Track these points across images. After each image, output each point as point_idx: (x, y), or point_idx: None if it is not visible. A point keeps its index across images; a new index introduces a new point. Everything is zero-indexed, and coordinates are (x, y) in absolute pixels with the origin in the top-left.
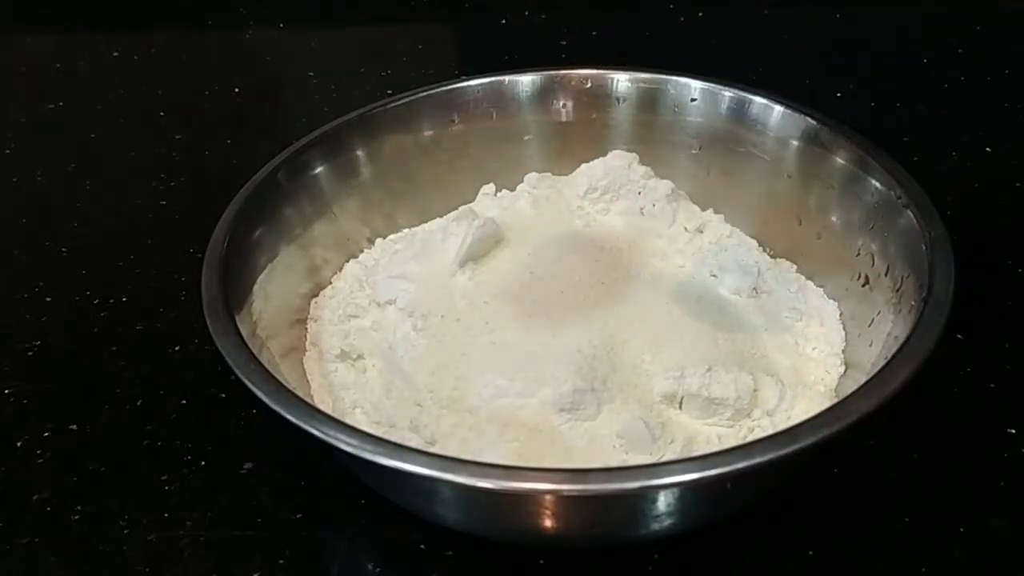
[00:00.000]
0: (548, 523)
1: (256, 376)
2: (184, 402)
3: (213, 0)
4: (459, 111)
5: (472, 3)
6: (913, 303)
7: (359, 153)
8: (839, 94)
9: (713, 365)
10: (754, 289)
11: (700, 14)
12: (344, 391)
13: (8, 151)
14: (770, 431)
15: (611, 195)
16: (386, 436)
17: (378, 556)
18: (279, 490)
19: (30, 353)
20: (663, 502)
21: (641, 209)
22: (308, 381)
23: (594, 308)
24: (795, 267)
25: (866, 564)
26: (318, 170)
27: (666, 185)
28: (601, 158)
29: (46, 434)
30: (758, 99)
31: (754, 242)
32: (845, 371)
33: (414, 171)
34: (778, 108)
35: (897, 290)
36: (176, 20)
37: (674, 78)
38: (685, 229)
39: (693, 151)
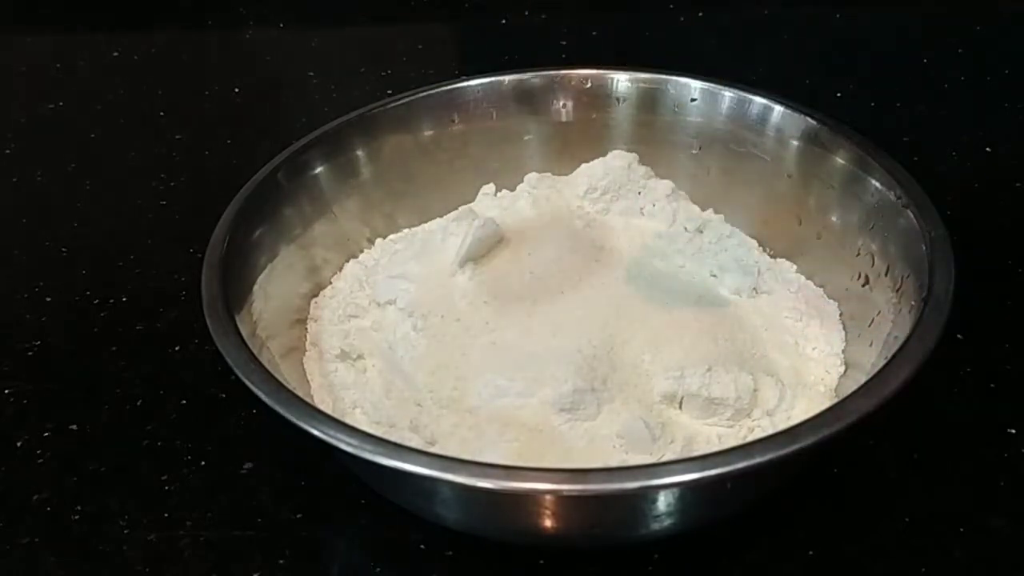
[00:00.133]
0: (548, 523)
1: (256, 376)
2: (184, 402)
3: (213, 0)
4: (459, 111)
5: (472, 3)
6: (913, 303)
7: (359, 153)
8: (839, 94)
9: (713, 365)
10: (754, 289)
11: (700, 14)
12: (344, 391)
13: (8, 151)
14: (770, 431)
15: (611, 195)
16: (386, 436)
17: (378, 556)
18: (279, 490)
19: (30, 353)
20: (663, 502)
21: (641, 209)
22: (308, 381)
23: (594, 308)
24: (795, 267)
25: (866, 564)
26: (318, 170)
27: (666, 185)
28: (601, 158)
29: (46, 434)
30: (758, 99)
31: (754, 242)
32: (845, 371)
33: (414, 171)
34: (778, 108)
35: (897, 290)
36: (176, 20)
37: (674, 78)
38: (685, 229)
39: (693, 151)
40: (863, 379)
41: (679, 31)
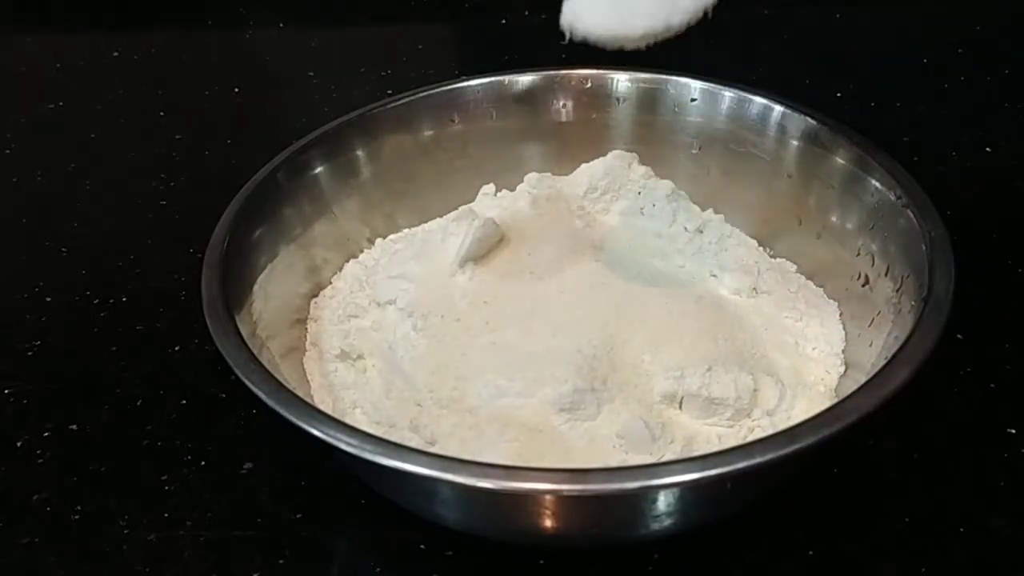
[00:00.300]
0: (548, 523)
1: (256, 376)
2: (184, 402)
3: (213, 0)
4: (459, 111)
5: (472, 3)
6: (913, 303)
7: (359, 153)
8: (839, 94)
9: (713, 365)
10: (754, 289)
11: None
12: (344, 391)
13: (8, 151)
14: (770, 431)
15: (611, 195)
16: (386, 436)
17: (378, 556)
18: (279, 490)
19: (30, 353)
20: (663, 502)
21: (641, 209)
22: (308, 381)
23: (594, 308)
24: (795, 267)
25: (866, 564)
26: (318, 170)
27: (666, 185)
28: (601, 158)
29: (46, 434)
30: (758, 99)
31: (754, 242)
32: (845, 371)
33: (414, 171)
34: (778, 108)
35: (897, 290)
36: (176, 20)
37: (674, 78)
38: (685, 229)
39: (693, 151)
40: (863, 379)
41: None
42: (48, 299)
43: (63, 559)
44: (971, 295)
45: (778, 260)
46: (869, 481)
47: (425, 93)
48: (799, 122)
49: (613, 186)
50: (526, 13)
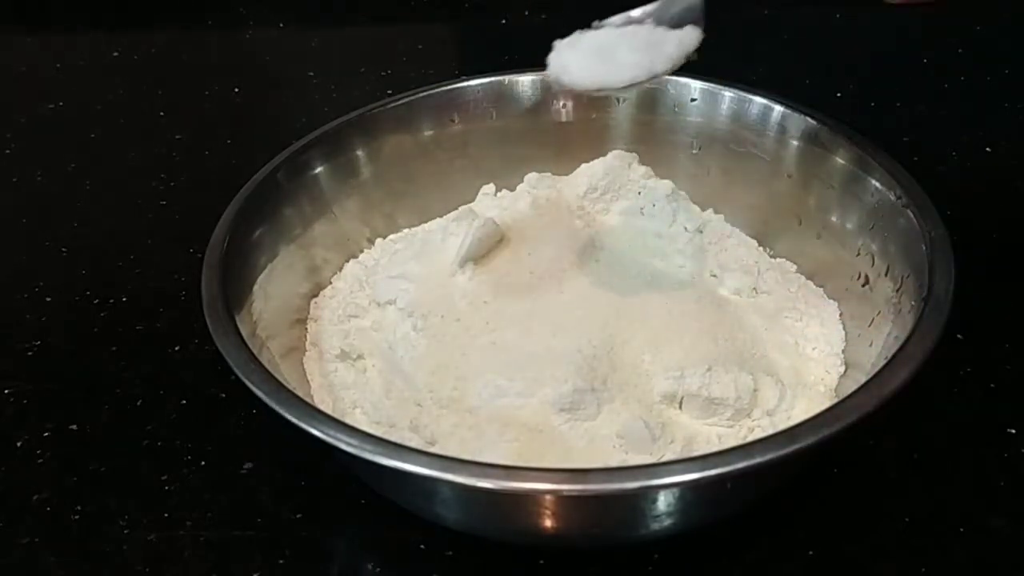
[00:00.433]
0: (548, 523)
1: (256, 376)
2: (184, 402)
3: (213, 0)
4: (459, 111)
5: (472, 3)
6: (913, 303)
7: (359, 153)
8: (839, 94)
9: (713, 365)
10: (754, 289)
11: None
12: (344, 391)
13: (8, 151)
14: (770, 431)
15: (611, 195)
16: (386, 436)
17: (378, 556)
18: (279, 490)
19: (30, 353)
20: (663, 502)
21: (641, 209)
22: (308, 381)
23: (594, 308)
24: (795, 267)
25: (866, 564)
26: (318, 170)
27: (666, 185)
28: (601, 158)
29: (46, 434)
30: (758, 99)
31: (754, 242)
32: (845, 371)
33: (414, 171)
34: (778, 108)
35: (897, 290)
36: (176, 20)
37: (674, 78)
38: (685, 229)
39: (693, 151)
40: (863, 379)
41: None
42: (48, 299)
43: (63, 559)
44: (971, 295)
45: (778, 260)
46: (869, 481)
47: (425, 93)
48: (799, 122)
49: (613, 186)
50: (526, 13)
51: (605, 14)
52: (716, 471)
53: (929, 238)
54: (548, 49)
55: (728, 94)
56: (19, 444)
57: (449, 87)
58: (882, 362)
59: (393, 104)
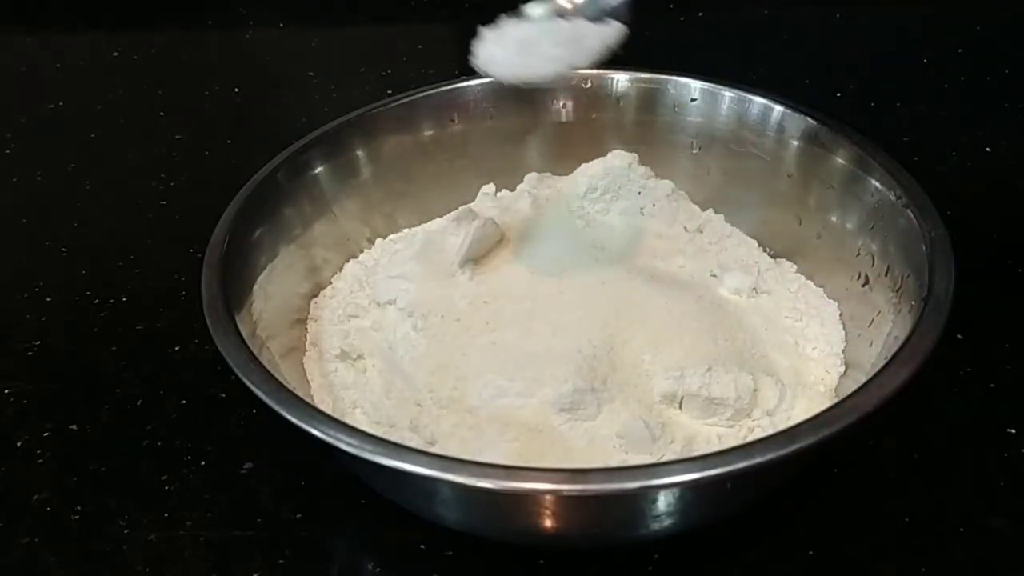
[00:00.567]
0: (548, 523)
1: (256, 376)
2: (184, 402)
3: (213, 0)
4: (459, 111)
5: (472, 3)
6: (913, 303)
7: (359, 153)
8: (839, 94)
9: (713, 365)
10: (754, 289)
11: (700, 14)
12: (344, 391)
13: (8, 151)
14: (770, 431)
15: (611, 195)
16: (386, 436)
17: (378, 556)
18: (279, 490)
19: (30, 353)
20: (663, 502)
21: (641, 209)
22: (308, 381)
23: (594, 308)
24: (795, 267)
25: (866, 564)
26: (318, 170)
27: (666, 185)
28: (601, 158)
29: (46, 434)
30: (758, 99)
31: (754, 242)
32: (845, 371)
33: (414, 171)
34: (778, 108)
35: (897, 290)
36: (176, 20)
37: (674, 78)
38: (685, 229)
39: (693, 151)
40: (863, 379)
41: (679, 31)
42: (48, 299)
43: (63, 559)
44: (971, 295)
45: (778, 260)
46: (869, 481)
47: (425, 93)
48: (799, 122)
49: (613, 186)
50: None
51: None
52: (716, 471)
53: (929, 238)
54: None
55: (728, 94)
56: (19, 444)
57: (449, 87)
58: (882, 362)
59: (393, 104)
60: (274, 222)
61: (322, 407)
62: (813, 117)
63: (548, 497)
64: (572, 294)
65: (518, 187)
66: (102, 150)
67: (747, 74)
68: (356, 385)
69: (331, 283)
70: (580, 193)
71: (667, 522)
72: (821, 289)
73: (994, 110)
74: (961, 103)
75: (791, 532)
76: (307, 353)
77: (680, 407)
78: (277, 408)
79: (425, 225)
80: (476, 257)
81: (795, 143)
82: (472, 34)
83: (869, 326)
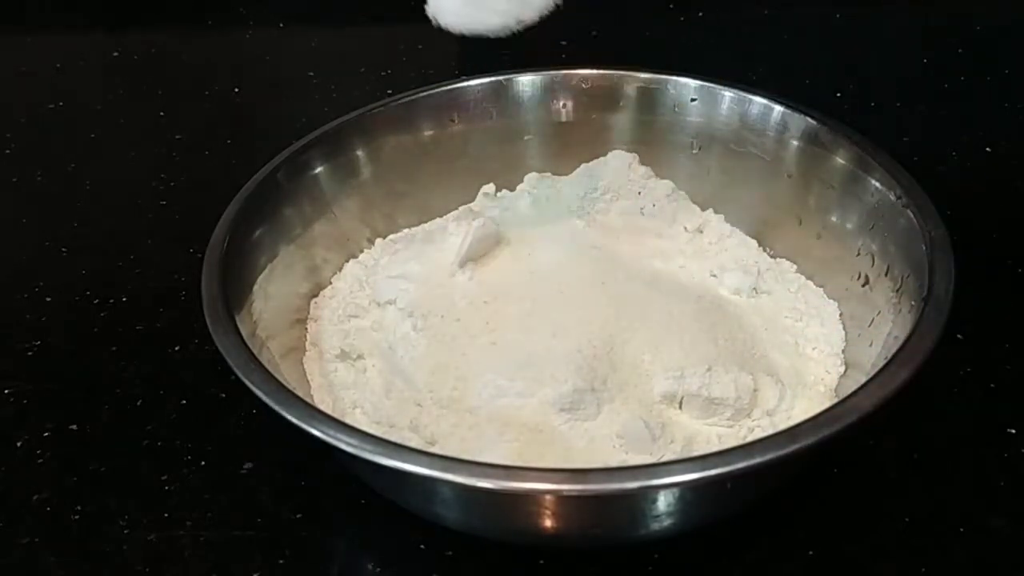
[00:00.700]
0: (548, 523)
1: (256, 376)
2: (184, 402)
3: (213, 0)
4: (459, 111)
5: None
6: (913, 303)
7: (359, 153)
8: (839, 94)
9: (713, 365)
10: (754, 289)
11: (700, 14)
12: (344, 391)
13: (8, 151)
14: (770, 431)
15: (611, 195)
16: (386, 436)
17: (378, 556)
18: (279, 490)
19: (30, 353)
20: (663, 502)
21: (641, 209)
22: (308, 381)
23: (594, 308)
24: (795, 267)
25: (866, 564)
26: (318, 170)
27: (666, 185)
28: (601, 158)
29: (46, 434)
30: (758, 99)
31: (754, 242)
32: (845, 371)
33: (414, 171)
34: (778, 108)
35: (897, 290)
36: (176, 20)
37: (674, 78)
38: (685, 229)
39: (693, 151)
40: (863, 379)
41: (679, 31)
42: (48, 299)
43: (63, 559)
44: (971, 295)
45: (778, 260)
46: (869, 481)
47: (425, 93)
48: (799, 122)
49: (613, 186)
50: None
51: (601, 15)
52: (716, 471)
53: (929, 238)
54: (549, 49)
55: (728, 94)
56: (19, 444)
57: (449, 87)
58: (882, 362)
59: (393, 104)
60: (274, 222)
61: (322, 407)
62: (813, 117)
63: (548, 497)
64: (572, 294)
65: (518, 187)
66: (102, 150)
67: (747, 74)
68: (356, 385)
69: (331, 283)
70: (580, 193)
71: (667, 522)
72: (821, 289)
73: (994, 110)
74: (961, 103)
75: (791, 532)
76: (307, 353)
77: (680, 407)
78: (277, 408)
79: (425, 225)
80: (476, 257)
81: (795, 143)
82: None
83: (869, 326)
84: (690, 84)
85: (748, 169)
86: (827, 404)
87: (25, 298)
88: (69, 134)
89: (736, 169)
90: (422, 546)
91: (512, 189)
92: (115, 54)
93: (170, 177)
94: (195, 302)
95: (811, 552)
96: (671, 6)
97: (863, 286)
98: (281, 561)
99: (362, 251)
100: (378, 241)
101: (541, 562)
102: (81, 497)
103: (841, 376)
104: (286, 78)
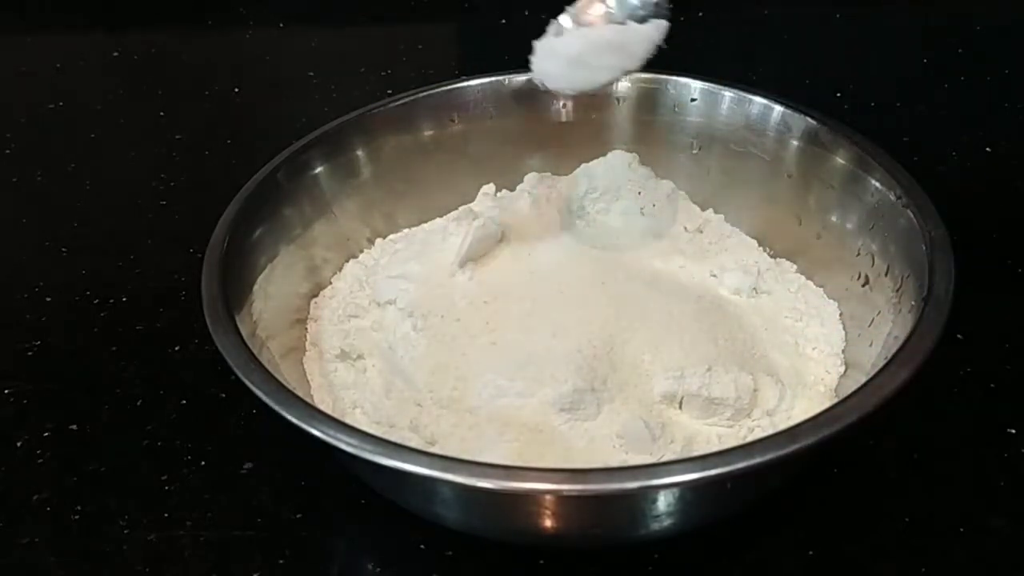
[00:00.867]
0: (548, 523)
1: (256, 376)
2: (184, 402)
3: (213, 0)
4: (459, 111)
5: (472, 3)
6: (913, 303)
7: (359, 153)
8: (839, 94)
9: (713, 365)
10: (754, 289)
11: (700, 14)
12: (344, 391)
13: (8, 151)
14: (770, 431)
15: (611, 195)
16: (386, 436)
17: (378, 556)
18: (279, 490)
19: (30, 353)
20: (663, 502)
21: (641, 209)
22: (308, 381)
23: (594, 308)
24: (795, 267)
25: (866, 564)
26: (318, 170)
27: (666, 185)
28: (601, 158)
29: (46, 434)
30: (758, 99)
31: (754, 242)
32: (845, 371)
33: (414, 171)
34: (778, 108)
35: (897, 290)
36: (176, 20)
37: (674, 78)
38: (685, 229)
39: (693, 151)
40: (863, 379)
41: (679, 31)
42: (48, 299)
43: (63, 559)
44: (971, 295)
45: (778, 260)
46: (869, 481)
47: (425, 93)
48: (799, 122)
49: (613, 186)
50: (526, 13)
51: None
52: (716, 471)
53: (929, 238)
54: None
55: (728, 94)
56: (19, 444)
57: (449, 87)
58: (882, 362)
59: (393, 104)
60: (274, 222)
61: (322, 407)
62: (813, 117)
63: (548, 497)
64: (572, 294)
65: (518, 187)
66: (102, 150)
67: (747, 74)
68: (356, 385)
69: (331, 283)
70: (580, 193)
71: (667, 522)
72: (821, 289)
73: (994, 110)
74: (961, 103)
75: (791, 532)
76: (307, 353)
77: (680, 407)
78: (277, 408)
79: (425, 225)
80: (476, 257)
81: (795, 143)
82: (472, 34)
83: (869, 326)
84: (690, 84)
85: (748, 169)
86: (827, 404)
87: (25, 298)
88: (69, 134)
89: (736, 169)
90: (422, 546)
91: (512, 189)
92: (115, 54)
93: (170, 177)
94: (195, 302)
95: (811, 552)
96: (671, 6)
97: (863, 286)
98: (281, 561)
99: (362, 251)
100: (378, 241)
101: (541, 562)
102: (81, 497)
103: (841, 376)
104: (286, 78)
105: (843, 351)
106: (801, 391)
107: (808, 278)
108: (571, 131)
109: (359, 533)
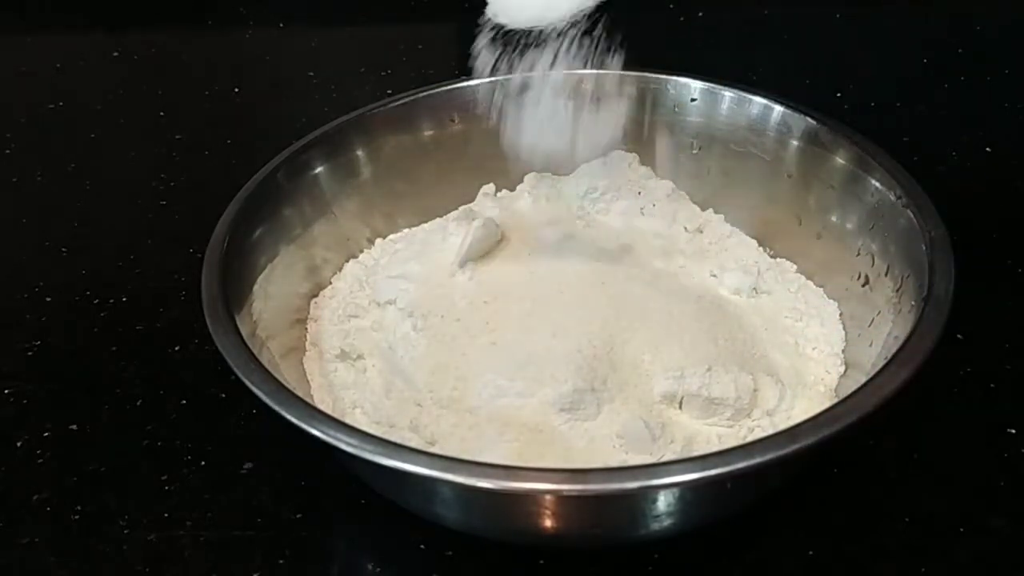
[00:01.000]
0: (548, 523)
1: (256, 376)
2: (184, 402)
3: (213, 0)
4: (459, 111)
5: (472, 3)
6: (913, 303)
7: (359, 153)
8: (839, 94)
9: (713, 365)
10: (754, 289)
11: (700, 14)
12: (344, 391)
13: (8, 151)
14: (770, 431)
15: (611, 195)
16: (386, 436)
17: (378, 556)
18: (279, 490)
19: (30, 353)
20: (663, 502)
21: (641, 209)
22: (308, 381)
23: (594, 308)
24: (795, 267)
25: (866, 564)
26: (318, 170)
27: (666, 185)
28: (601, 158)
29: (46, 434)
30: (758, 99)
31: (754, 242)
32: (845, 371)
33: (414, 171)
34: (778, 108)
35: (897, 290)
36: (176, 20)
37: (674, 78)
38: (685, 229)
39: (693, 151)
40: (863, 379)
41: (679, 31)
42: (48, 299)
43: (63, 559)
44: (971, 295)
45: (778, 260)
46: (869, 481)
47: (425, 93)
48: (799, 122)
49: (613, 186)
50: None
51: (604, 14)
52: (716, 471)
53: (929, 238)
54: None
55: (728, 94)
56: (19, 444)
57: (449, 87)
58: (882, 362)
59: (393, 104)
60: (274, 222)
61: (322, 407)
62: (813, 117)
63: (548, 497)
64: (572, 294)
65: (518, 187)
66: (102, 150)
67: (747, 74)
68: (356, 385)
69: (331, 283)
70: (580, 193)
71: (667, 522)
72: (821, 289)
73: (994, 110)
74: (961, 103)
75: (791, 532)
76: (307, 353)
77: (680, 407)
78: (277, 408)
79: (425, 225)
80: (476, 257)
81: (795, 143)
82: (472, 34)
83: (869, 326)
84: (690, 84)
85: (748, 169)
86: (827, 404)
87: (25, 298)
88: (69, 134)
89: (736, 169)
90: (422, 546)
91: (512, 189)
92: (115, 54)
93: (170, 177)
94: (195, 302)
95: (811, 552)
96: (671, 6)
97: (863, 286)
98: (281, 561)
99: (362, 251)
100: (378, 241)
101: (541, 562)
102: (81, 497)
103: (841, 376)
104: (286, 78)
105: (843, 351)
106: (801, 391)
107: (808, 278)
108: None
109: (359, 533)
